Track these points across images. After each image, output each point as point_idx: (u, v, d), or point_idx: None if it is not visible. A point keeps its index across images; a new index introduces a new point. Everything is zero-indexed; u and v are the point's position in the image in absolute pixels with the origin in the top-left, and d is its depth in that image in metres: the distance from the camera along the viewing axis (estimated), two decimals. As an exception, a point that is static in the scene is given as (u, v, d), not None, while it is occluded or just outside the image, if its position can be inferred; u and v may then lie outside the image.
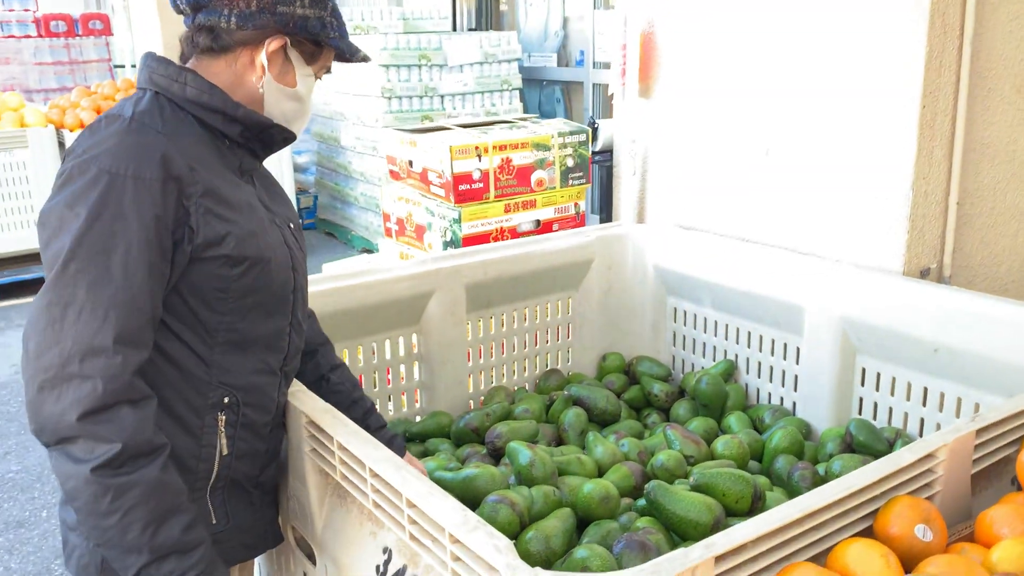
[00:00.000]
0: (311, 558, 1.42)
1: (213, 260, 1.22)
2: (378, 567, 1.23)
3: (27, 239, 5.11)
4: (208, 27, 1.28)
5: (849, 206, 2.05)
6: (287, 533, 1.49)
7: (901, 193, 1.93)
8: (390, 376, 2.18)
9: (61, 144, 5.17)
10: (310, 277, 2.06)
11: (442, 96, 5.63)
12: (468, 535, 1.00)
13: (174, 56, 1.33)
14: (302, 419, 1.36)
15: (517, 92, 5.95)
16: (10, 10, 7.61)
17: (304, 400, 1.38)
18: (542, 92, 6.61)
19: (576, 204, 2.66)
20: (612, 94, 2.55)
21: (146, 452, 1.15)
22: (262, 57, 1.29)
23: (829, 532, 1.07)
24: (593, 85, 5.93)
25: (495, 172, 2.48)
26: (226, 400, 1.29)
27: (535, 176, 2.57)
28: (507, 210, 2.52)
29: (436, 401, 2.25)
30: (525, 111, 6.13)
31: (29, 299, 5.25)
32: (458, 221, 2.43)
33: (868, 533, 1.12)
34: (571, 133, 2.63)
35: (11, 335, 4.69)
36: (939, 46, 1.87)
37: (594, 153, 2.78)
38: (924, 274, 2.01)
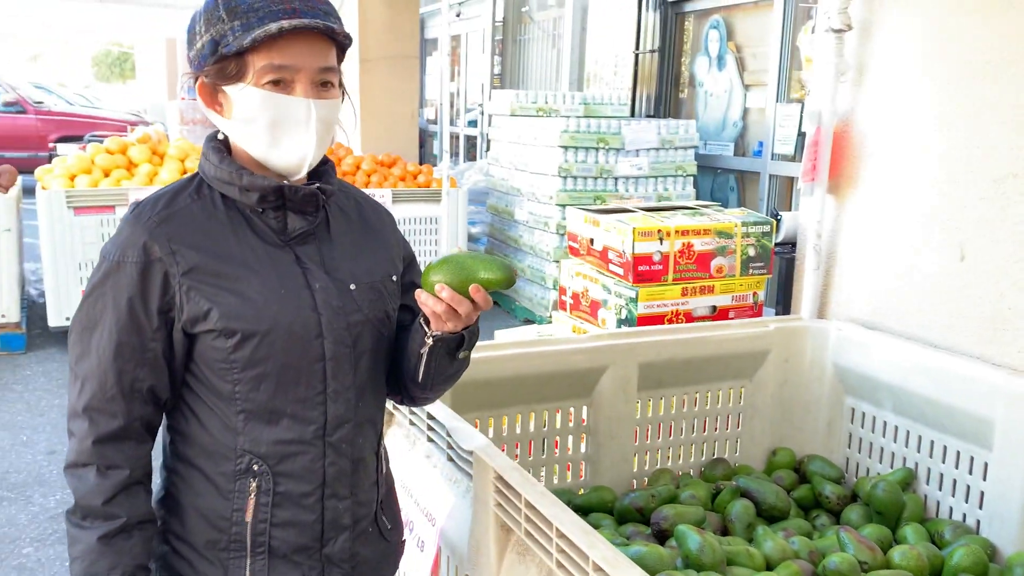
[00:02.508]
0: (483, 611, 1.48)
1: (206, 334, 1.27)
2: (552, 628, 1.27)
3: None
4: None
5: (1053, 320, 1.96)
6: (461, 583, 1.56)
7: (1115, 311, 1.84)
8: (557, 446, 2.24)
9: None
10: (487, 342, 2.14)
11: (616, 178, 5.76)
12: (654, 604, 1.03)
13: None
14: (490, 474, 1.44)
15: (691, 179, 6.00)
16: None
17: (493, 456, 1.46)
18: (715, 180, 6.63)
19: (755, 293, 2.66)
20: (800, 187, 2.56)
21: (97, 516, 1.25)
22: (203, 109, 1.29)
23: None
24: (770, 176, 5.90)
25: (675, 256, 2.53)
26: (255, 467, 1.30)
27: (715, 263, 2.60)
28: (684, 293, 2.56)
29: (600, 476, 2.28)
30: (697, 197, 6.17)
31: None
32: (635, 300, 2.49)
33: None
34: (755, 223, 2.65)
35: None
36: None
37: (775, 244, 2.78)
38: None
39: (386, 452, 1.50)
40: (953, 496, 2.15)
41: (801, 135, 5.72)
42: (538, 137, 5.94)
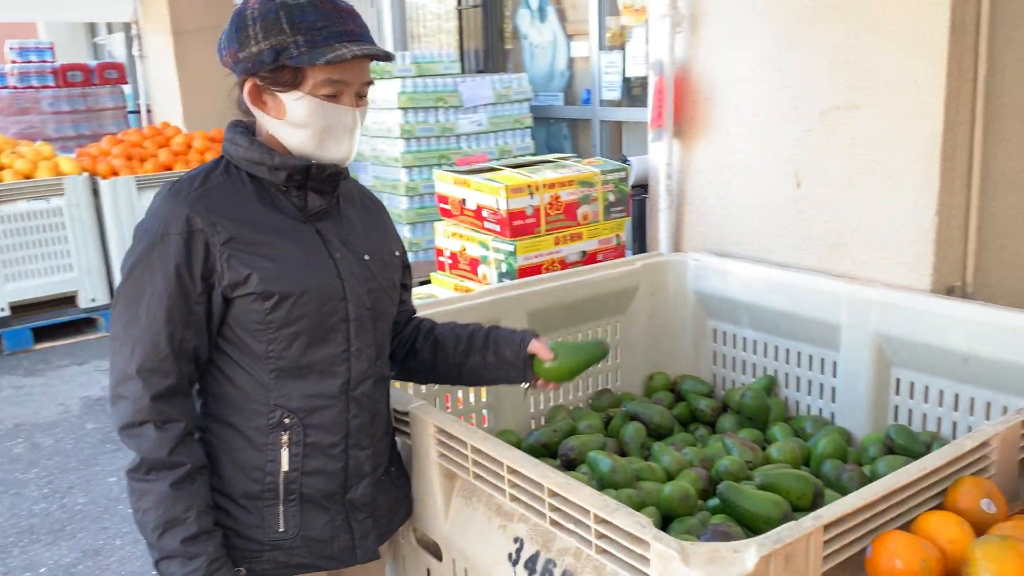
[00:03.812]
0: (436, 555, 1.60)
1: (244, 298, 1.40)
2: (510, 555, 1.41)
3: (64, 283, 5.29)
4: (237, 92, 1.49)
5: (879, 232, 2.26)
6: (409, 535, 1.67)
7: (928, 220, 2.15)
8: (461, 397, 2.36)
9: (95, 191, 5.36)
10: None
11: (458, 136, 5.86)
12: (612, 515, 1.19)
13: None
14: (430, 429, 1.55)
15: (529, 131, 6.19)
16: (28, 61, 7.84)
17: (430, 412, 1.57)
18: (549, 130, 6.86)
19: (617, 236, 2.87)
20: (649, 134, 2.77)
21: (163, 467, 1.37)
22: (247, 104, 1.44)
23: (911, 507, 1.26)
24: (600, 122, 6.18)
25: (545, 208, 2.69)
26: (286, 421, 1.44)
27: (581, 211, 2.78)
28: (556, 243, 2.72)
29: (502, 421, 2.43)
30: (535, 149, 6.37)
31: (65, 341, 5.42)
32: (513, 254, 2.64)
33: (939, 508, 1.31)
34: (612, 171, 2.84)
35: (52, 376, 4.84)
36: (956, 88, 2.10)
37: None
38: (950, 292, 2.22)
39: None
40: (809, 395, 2.45)
41: (625, 80, 6.03)
42: (375, 100, 5.94)
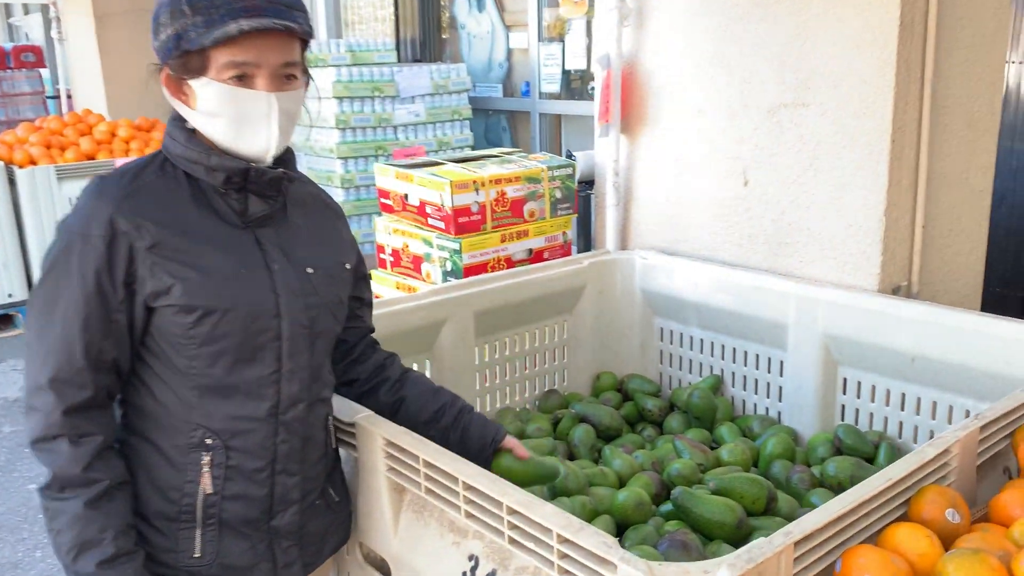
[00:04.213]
0: (384, 572, 1.52)
1: (166, 309, 1.29)
2: (464, 573, 1.35)
3: (-23, 278, 5.02)
4: None
5: (826, 231, 2.25)
6: (355, 551, 1.59)
7: (875, 219, 2.15)
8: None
9: (11, 181, 5.08)
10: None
11: (395, 127, 5.74)
12: (576, 535, 1.13)
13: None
14: (378, 441, 1.47)
15: (467, 122, 6.10)
16: (-62, 43, 7.43)
17: (378, 423, 1.49)
18: (488, 122, 6.78)
19: (564, 233, 2.82)
20: (596, 130, 2.72)
21: (78, 484, 1.27)
22: (167, 96, 1.33)
23: (877, 518, 1.24)
24: (540, 115, 6.13)
25: (491, 205, 2.62)
26: (208, 441, 1.34)
27: (527, 207, 2.72)
28: (503, 240, 2.66)
29: (447, 424, 2.36)
30: (474, 141, 6.29)
31: (-20, 339, 5.16)
32: (459, 252, 2.56)
33: (903, 519, 1.29)
34: (559, 167, 2.79)
35: (-34, 376, 4.59)
36: (904, 88, 2.10)
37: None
38: (896, 291, 2.22)
39: (333, 425, 1.54)
40: (756, 394, 2.44)
41: (565, 73, 5.99)
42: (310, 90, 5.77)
